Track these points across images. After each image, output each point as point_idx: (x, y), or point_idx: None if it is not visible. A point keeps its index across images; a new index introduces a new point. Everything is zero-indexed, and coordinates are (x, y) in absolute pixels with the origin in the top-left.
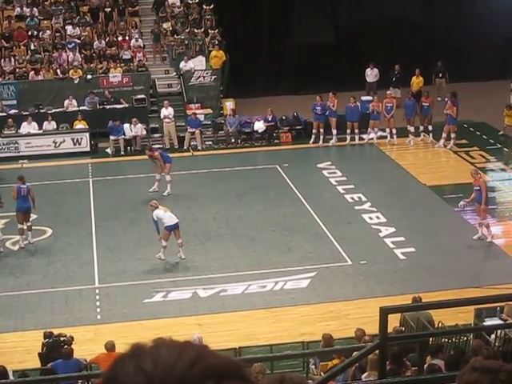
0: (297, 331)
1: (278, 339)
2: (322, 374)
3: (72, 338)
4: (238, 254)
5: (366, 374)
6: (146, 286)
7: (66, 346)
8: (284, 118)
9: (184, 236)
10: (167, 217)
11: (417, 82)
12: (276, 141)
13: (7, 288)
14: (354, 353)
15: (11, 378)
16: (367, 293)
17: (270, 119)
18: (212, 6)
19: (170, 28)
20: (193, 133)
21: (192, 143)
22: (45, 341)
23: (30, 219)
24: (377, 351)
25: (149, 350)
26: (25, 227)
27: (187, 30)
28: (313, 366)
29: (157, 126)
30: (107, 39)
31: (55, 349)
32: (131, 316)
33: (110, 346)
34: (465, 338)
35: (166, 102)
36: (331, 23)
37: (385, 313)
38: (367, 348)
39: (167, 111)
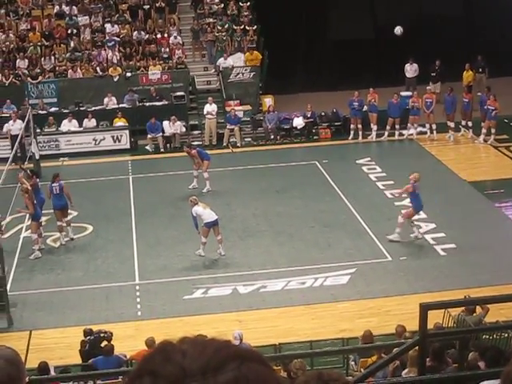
0: (336, 327)
1: (317, 335)
2: (362, 370)
3: (111, 333)
4: (277, 251)
5: (406, 370)
6: (186, 283)
7: (106, 343)
8: (323, 114)
9: (223, 232)
10: (207, 213)
11: (466, 76)
12: (315, 137)
13: (48, 284)
14: (394, 349)
15: (53, 373)
16: (407, 289)
17: (309, 115)
18: (248, 3)
19: (210, 25)
20: (232, 129)
21: (231, 140)
22: (86, 338)
23: (69, 216)
24: (417, 347)
25: (176, 345)
26: (64, 224)
27: (226, 27)
28: (353, 363)
29: (196, 122)
30: (146, 37)
31: (96, 345)
32: (171, 312)
33: (150, 343)
34: (506, 335)
35: (210, 98)
36: (370, 18)
37: (425, 309)
38: (407, 344)
39: (211, 107)
